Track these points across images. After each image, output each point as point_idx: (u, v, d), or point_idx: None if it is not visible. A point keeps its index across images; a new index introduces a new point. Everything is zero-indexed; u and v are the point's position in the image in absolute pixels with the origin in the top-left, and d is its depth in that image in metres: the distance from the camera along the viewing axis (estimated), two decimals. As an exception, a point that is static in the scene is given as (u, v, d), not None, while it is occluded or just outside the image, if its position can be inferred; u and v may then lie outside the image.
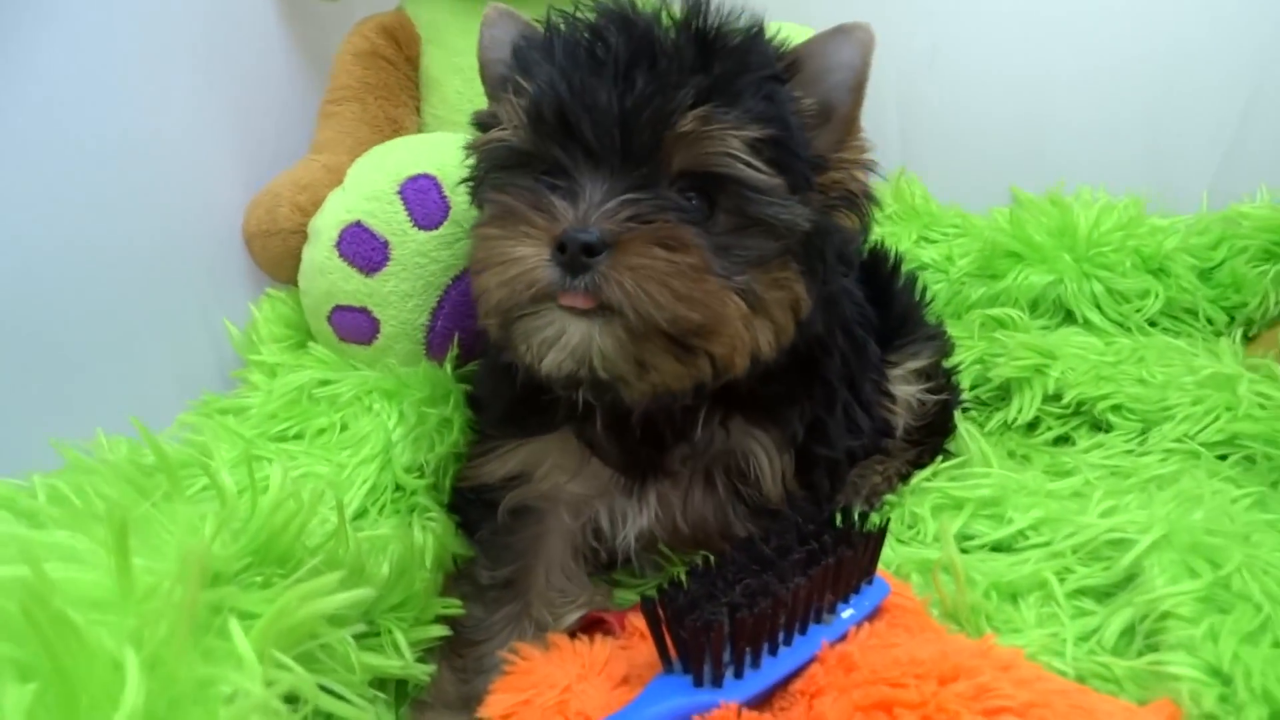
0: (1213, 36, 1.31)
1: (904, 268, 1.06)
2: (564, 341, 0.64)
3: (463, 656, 0.74)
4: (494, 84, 0.76)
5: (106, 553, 0.45)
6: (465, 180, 0.80)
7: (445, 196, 0.90)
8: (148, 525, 0.55)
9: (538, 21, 0.73)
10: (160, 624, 0.42)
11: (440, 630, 0.72)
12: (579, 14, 0.70)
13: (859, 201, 0.74)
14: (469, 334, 0.94)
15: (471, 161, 0.77)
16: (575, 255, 0.62)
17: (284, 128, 1.16)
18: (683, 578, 0.62)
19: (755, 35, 0.70)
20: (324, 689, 0.51)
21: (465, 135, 0.79)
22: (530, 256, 0.63)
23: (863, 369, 0.89)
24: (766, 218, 0.67)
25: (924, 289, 1.10)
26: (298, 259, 0.99)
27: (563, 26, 0.69)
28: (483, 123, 0.75)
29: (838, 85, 0.71)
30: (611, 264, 0.62)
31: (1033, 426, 1.08)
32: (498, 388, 0.80)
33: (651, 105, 0.63)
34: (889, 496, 0.92)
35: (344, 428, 0.85)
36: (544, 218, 0.64)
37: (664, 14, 0.68)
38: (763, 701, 0.60)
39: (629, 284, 0.62)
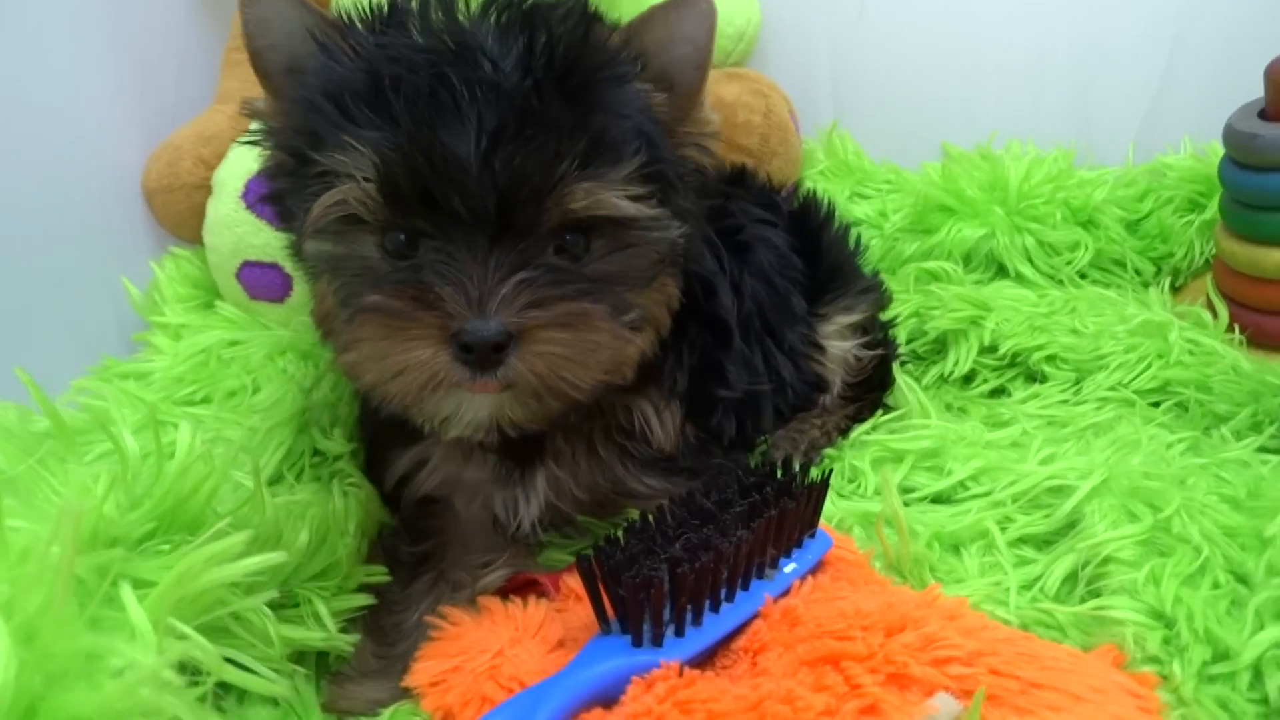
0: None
1: (838, 220, 1.04)
2: (470, 418, 0.63)
3: (382, 627, 0.70)
4: (272, 73, 0.66)
5: (-24, 518, 0.40)
6: (277, 194, 0.68)
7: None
8: (35, 487, 0.50)
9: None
10: (36, 590, 0.37)
11: (364, 599, 0.69)
12: (398, 48, 0.60)
13: (706, 172, 0.72)
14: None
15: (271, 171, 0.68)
16: (485, 354, 0.58)
17: (185, 76, 1.09)
18: (620, 535, 0.59)
19: (599, 37, 0.64)
20: (232, 662, 0.46)
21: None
22: (428, 360, 0.58)
23: (783, 319, 0.88)
24: (646, 241, 0.65)
25: (858, 240, 1.08)
26: (201, 215, 0.93)
27: (389, 67, 0.59)
28: (258, 115, 0.67)
29: (680, 59, 0.67)
30: (520, 354, 0.59)
31: (969, 379, 1.08)
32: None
33: (533, 180, 0.59)
34: (828, 450, 0.90)
35: (256, 390, 0.80)
36: (434, 315, 0.58)
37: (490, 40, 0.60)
38: (705, 659, 0.58)
39: (540, 368, 0.60)
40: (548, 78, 0.59)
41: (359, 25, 0.63)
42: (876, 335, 0.98)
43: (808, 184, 1.35)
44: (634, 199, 0.61)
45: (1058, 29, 1.35)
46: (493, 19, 0.62)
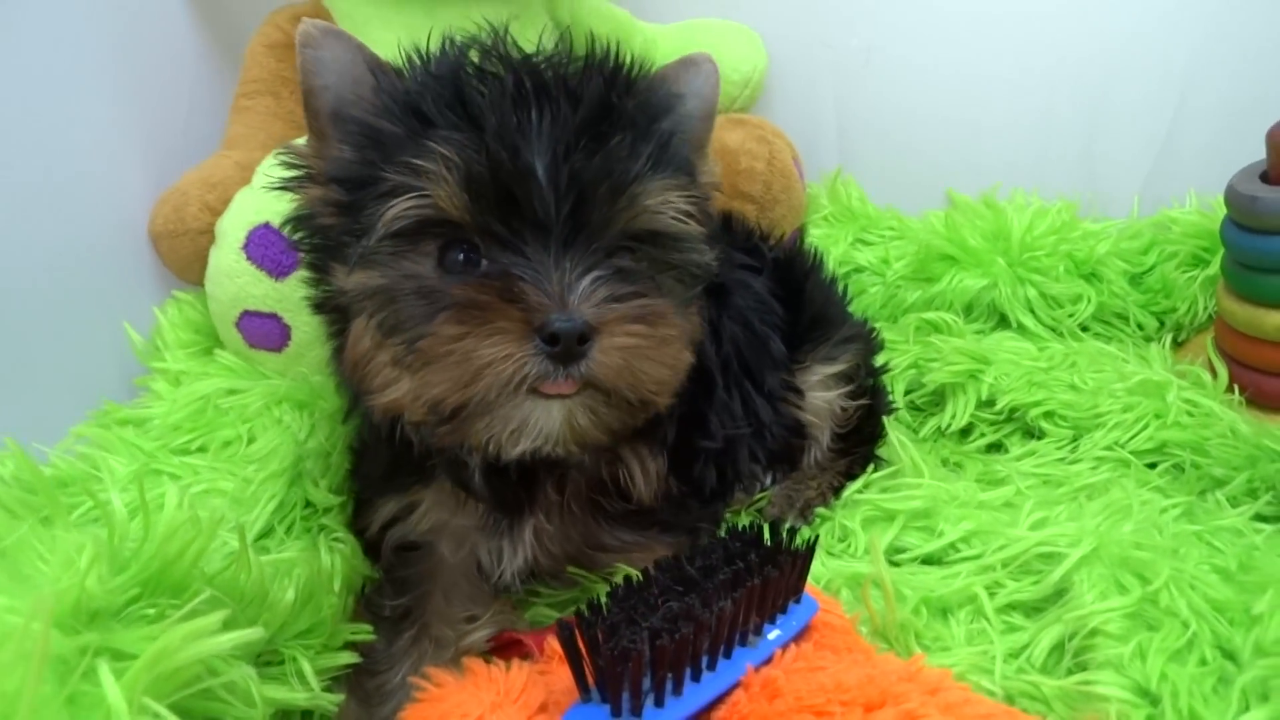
0: (1144, 44, 1.31)
1: (826, 270, 1.05)
2: (539, 427, 0.62)
3: (364, 688, 0.70)
4: (321, 113, 0.67)
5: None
6: (309, 242, 0.69)
7: (360, 197, 0.86)
8: (21, 555, 0.51)
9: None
10: (14, 672, 0.37)
11: (349, 657, 0.68)
12: (482, 63, 0.64)
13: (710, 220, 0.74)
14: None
15: (307, 216, 0.68)
16: (570, 346, 0.58)
17: (193, 122, 1.11)
18: (602, 599, 0.59)
19: (654, 78, 0.69)
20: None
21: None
22: (512, 353, 0.58)
23: (761, 362, 0.88)
24: (688, 264, 0.67)
25: (845, 290, 1.08)
26: (206, 260, 0.94)
27: (468, 76, 0.63)
28: (298, 157, 0.68)
29: (689, 113, 0.71)
30: (600, 347, 0.60)
31: (966, 433, 1.08)
32: (377, 451, 0.76)
33: (611, 179, 0.61)
34: (821, 510, 0.90)
35: (251, 440, 0.81)
36: (519, 309, 0.59)
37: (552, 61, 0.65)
38: (685, 728, 0.58)
39: (619, 361, 0.60)
40: (619, 85, 0.64)
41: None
42: (862, 384, 0.97)
43: (811, 230, 1.36)
44: (687, 214, 0.65)
45: (1064, 82, 1.35)
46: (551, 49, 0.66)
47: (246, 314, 0.89)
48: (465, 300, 0.59)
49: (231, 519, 0.60)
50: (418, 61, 0.66)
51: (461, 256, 0.62)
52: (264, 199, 0.88)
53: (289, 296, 0.86)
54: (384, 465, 0.74)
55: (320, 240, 0.67)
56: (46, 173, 0.92)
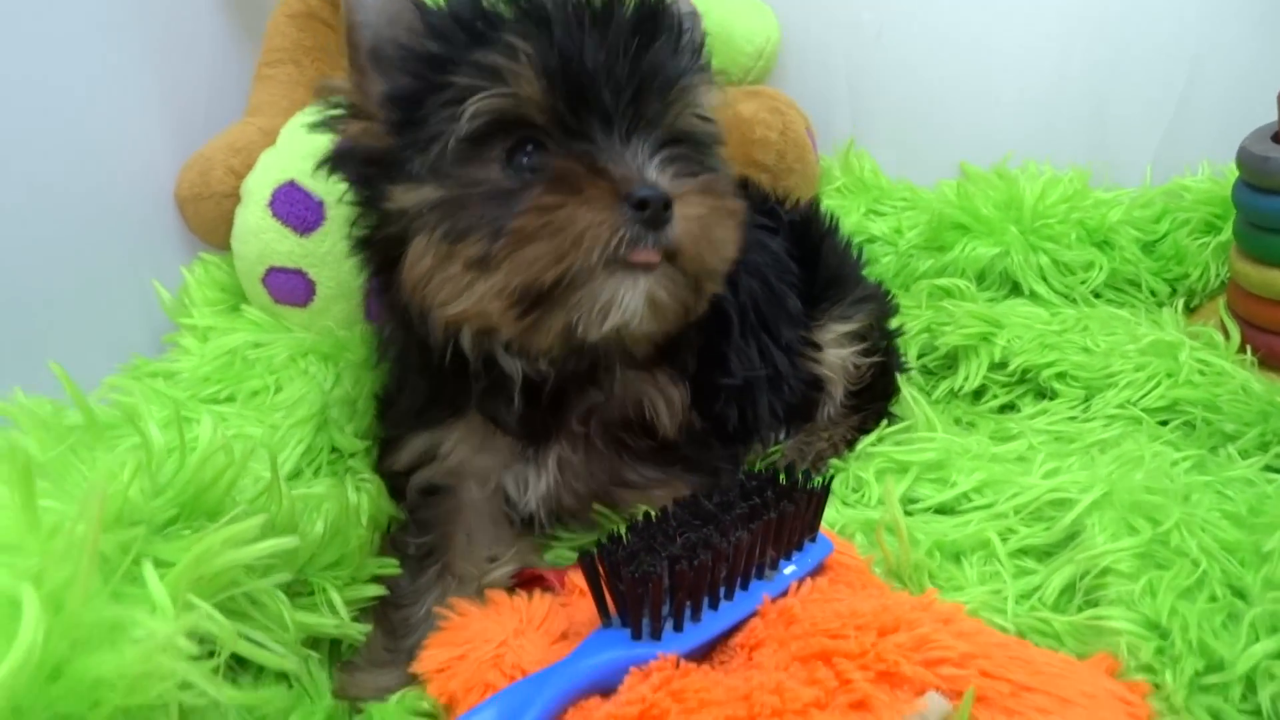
0: (1154, 12, 1.32)
1: (842, 233, 1.06)
2: (625, 301, 0.65)
3: (390, 620, 0.72)
4: (364, 51, 0.69)
5: (10, 493, 0.42)
6: (356, 172, 0.71)
7: (383, 154, 0.88)
8: (65, 473, 0.53)
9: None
10: (64, 564, 0.39)
11: (376, 590, 0.71)
12: None
13: None
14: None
15: (348, 150, 0.70)
16: (657, 211, 0.63)
17: (218, 91, 1.13)
18: (622, 532, 0.61)
19: None
20: (247, 639, 0.48)
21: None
22: (605, 220, 0.62)
23: (778, 316, 0.90)
24: (713, 166, 0.72)
25: (860, 251, 1.09)
26: (231, 223, 0.96)
27: None
28: (336, 93, 0.70)
29: None
30: (679, 216, 0.64)
31: (979, 394, 1.09)
32: (413, 385, 0.78)
33: (664, 72, 0.67)
34: (834, 461, 0.91)
35: (278, 389, 0.83)
36: (606, 181, 0.63)
37: None
38: (703, 655, 0.59)
39: (695, 231, 0.65)
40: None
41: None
42: (876, 343, 0.99)
43: (824, 201, 1.37)
44: (709, 114, 0.71)
45: (1075, 51, 1.36)
46: None
47: (272, 270, 0.90)
48: (560, 172, 0.63)
49: (264, 453, 0.61)
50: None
51: (529, 153, 0.66)
52: (288, 157, 0.90)
53: (313, 252, 0.88)
54: (420, 399, 0.77)
55: (369, 170, 0.69)
56: (78, 143, 0.94)
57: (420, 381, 0.76)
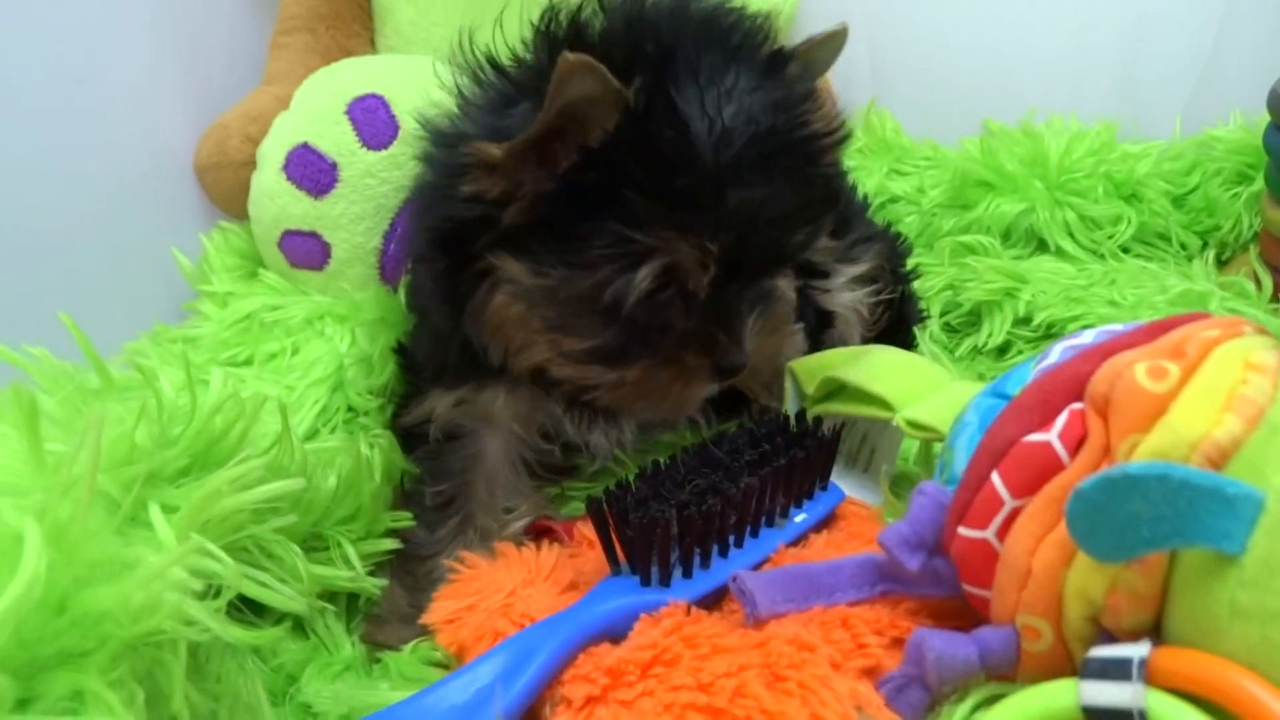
0: (1186, -40, 1.29)
1: (844, 178, 1.04)
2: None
3: (412, 573, 0.73)
4: (555, 144, 0.62)
5: (17, 435, 0.43)
6: (460, 220, 0.66)
7: (394, 116, 0.89)
8: (75, 419, 0.54)
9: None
10: (65, 499, 0.40)
11: (390, 543, 0.71)
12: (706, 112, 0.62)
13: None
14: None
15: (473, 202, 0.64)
16: (733, 374, 0.70)
17: (235, 59, 1.14)
18: (630, 479, 0.61)
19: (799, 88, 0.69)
20: (251, 579, 0.49)
21: (416, 56, 0.76)
22: (694, 393, 0.70)
23: None
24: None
25: (865, 197, 1.08)
26: (249, 192, 0.97)
27: (713, 152, 0.62)
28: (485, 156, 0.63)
29: (814, 74, 0.73)
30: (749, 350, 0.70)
31: (1003, 351, 1.07)
32: (437, 351, 0.79)
33: (790, 235, 0.69)
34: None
35: (295, 352, 0.84)
36: (710, 359, 0.69)
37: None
38: (715, 604, 0.59)
39: (759, 360, 0.71)
40: (790, 148, 0.66)
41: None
42: (887, 284, 0.97)
43: (845, 162, 1.35)
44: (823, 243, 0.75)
45: (1103, 1, 1.33)
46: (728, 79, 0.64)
47: (288, 234, 0.91)
48: (670, 354, 0.68)
49: (275, 405, 0.62)
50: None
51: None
52: (301, 119, 0.90)
53: (327, 214, 0.89)
54: (451, 363, 0.76)
55: (486, 232, 0.66)
56: (98, 112, 0.95)
57: (443, 352, 0.76)
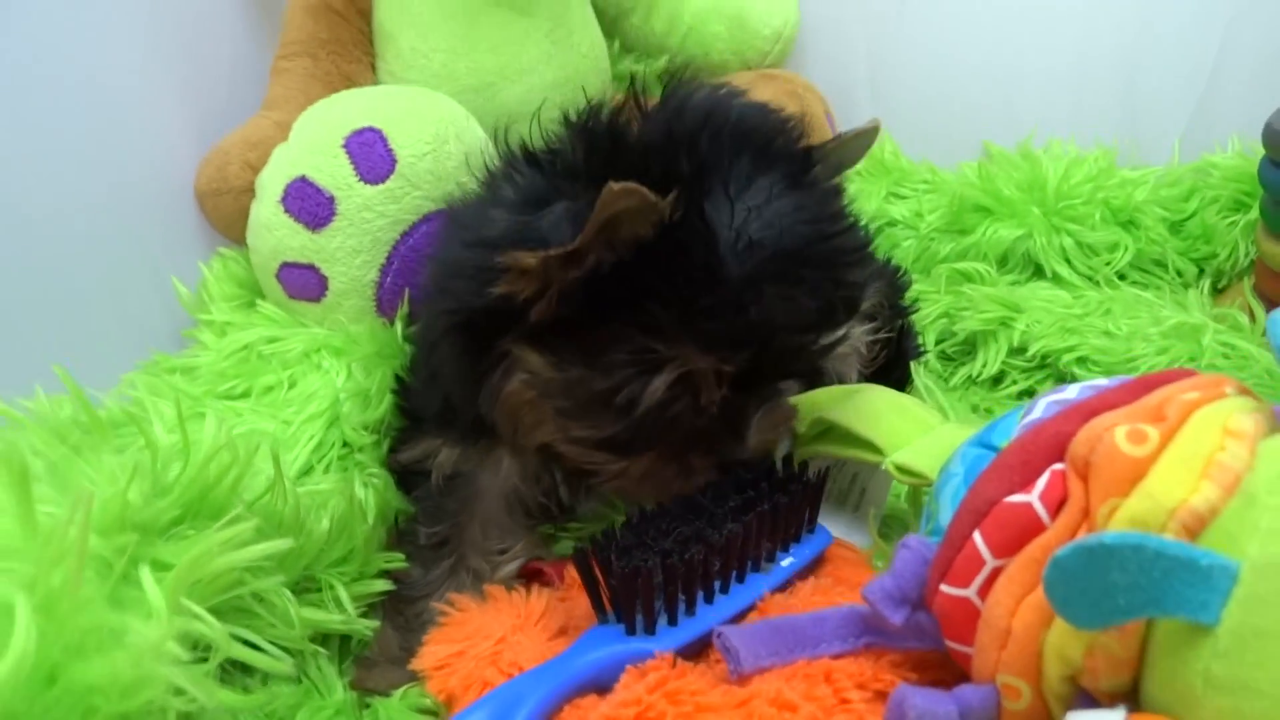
0: (1184, -14, 1.29)
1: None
2: None
3: (404, 614, 0.73)
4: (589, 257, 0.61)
5: (7, 497, 0.44)
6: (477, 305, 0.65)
7: (391, 150, 0.89)
8: (69, 476, 0.54)
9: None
10: (56, 569, 0.41)
11: (383, 585, 0.72)
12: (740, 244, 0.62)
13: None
14: (419, 291, 0.92)
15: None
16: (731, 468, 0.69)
17: (236, 85, 1.14)
18: (616, 528, 0.62)
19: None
20: (244, 642, 0.50)
21: (414, 88, 0.76)
22: (694, 482, 0.69)
23: None
24: None
25: (867, 229, 1.07)
26: (248, 218, 0.97)
27: (740, 266, 0.61)
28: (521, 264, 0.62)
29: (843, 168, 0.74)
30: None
31: (998, 381, 1.08)
32: (446, 411, 0.78)
33: (803, 345, 0.67)
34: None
35: (292, 385, 0.84)
36: (709, 458, 0.69)
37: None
38: (701, 650, 0.60)
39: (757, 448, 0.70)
40: (815, 260, 0.64)
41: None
42: (887, 321, 0.96)
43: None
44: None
45: (1101, 25, 1.33)
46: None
47: (285, 265, 0.92)
48: (671, 453, 0.68)
49: (267, 449, 0.63)
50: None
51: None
52: (299, 152, 0.91)
53: (325, 247, 0.89)
54: (466, 422, 0.75)
55: (512, 325, 0.66)
56: (98, 137, 0.95)
57: (467, 419, 0.75)
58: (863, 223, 1.02)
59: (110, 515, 0.47)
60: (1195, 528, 0.43)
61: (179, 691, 0.41)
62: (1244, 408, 0.48)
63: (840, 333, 0.68)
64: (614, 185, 0.56)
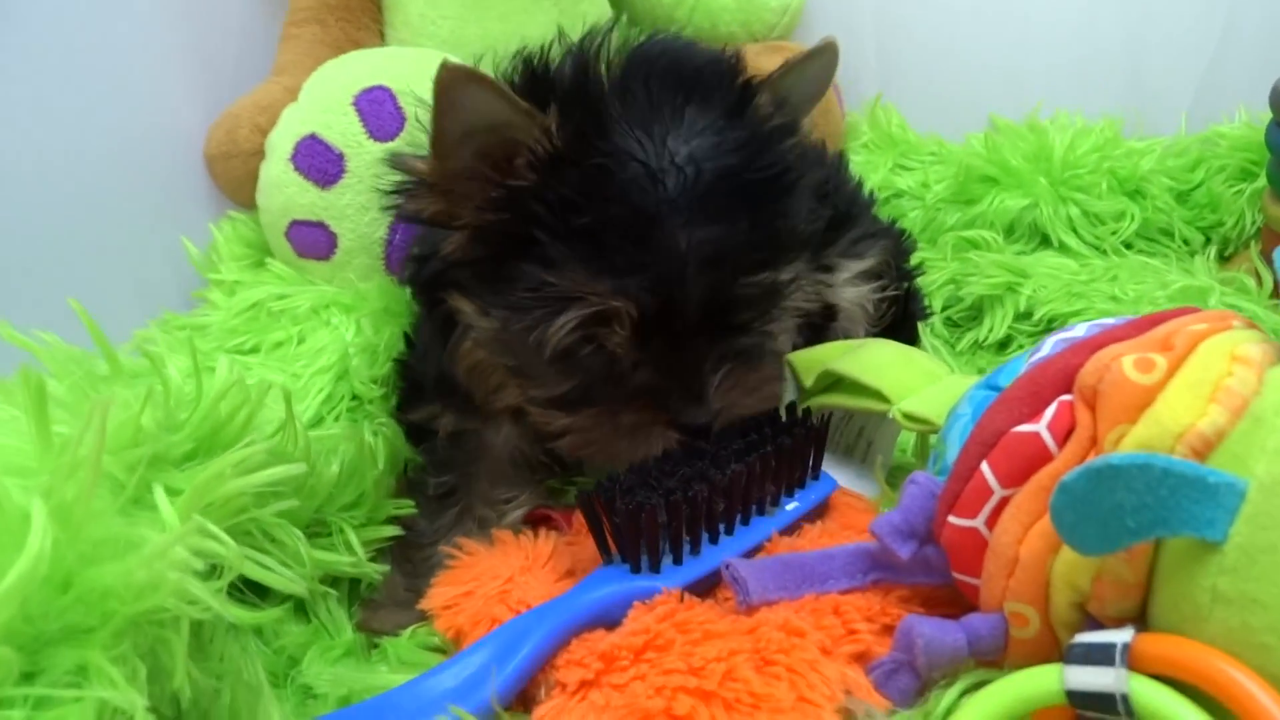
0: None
1: (851, 174, 1.04)
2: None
3: (411, 560, 0.74)
4: (456, 169, 0.62)
5: (26, 418, 0.44)
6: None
7: (400, 108, 0.89)
8: (83, 402, 0.55)
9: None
10: (70, 480, 0.41)
11: (392, 530, 0.72)
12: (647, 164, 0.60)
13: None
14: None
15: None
16: (697, 432, 0.65)
17: (246, 50, 1.15)
18: (620, 471, 0.62)
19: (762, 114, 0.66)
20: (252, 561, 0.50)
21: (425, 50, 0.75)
22: (652, 445, 0.64)
23: None
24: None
25: (871, 193, 1.08)
26: (257, 181, 0.98)
27: (640, 201, 0.59)
28: (410, 170, 0.64)
29: (804, 97, 0.72)
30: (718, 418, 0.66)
31: (1004, 345, 1.08)
32: (430, 363, 0.78)
33: (744, 289, 0.64)
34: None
35: (301, 340, 0.85)
36: (665, 416, 0.64)
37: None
38: (707, 591, 0.60)
39: (730, 410, 0.66)
40: (748, 189, 0.62)
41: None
42: (892, 280, 0.97)
43: (851, 157, 1.36)
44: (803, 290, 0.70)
45: (1110, -2, 1.33)
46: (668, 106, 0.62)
47: (295, 224, 0.92)
48: (606, 411, 0.65)
49: (278, 391, 0.63)
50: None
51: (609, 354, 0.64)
52: (309, 110, 0.91)
53: (334, 205, 0.90)
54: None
55: (436, 264, 0.67)
56: (110, 102, 0.96)
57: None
58: (855, 182, 1.03)
59: (123, 437, 0.48)
60: (1203, 451, 0.43)
61: (191, 601, 0.42)
62: (1251, 338, 0.48)
63: (786, 275, 0.65)
64: (449, 62, 0.55)
